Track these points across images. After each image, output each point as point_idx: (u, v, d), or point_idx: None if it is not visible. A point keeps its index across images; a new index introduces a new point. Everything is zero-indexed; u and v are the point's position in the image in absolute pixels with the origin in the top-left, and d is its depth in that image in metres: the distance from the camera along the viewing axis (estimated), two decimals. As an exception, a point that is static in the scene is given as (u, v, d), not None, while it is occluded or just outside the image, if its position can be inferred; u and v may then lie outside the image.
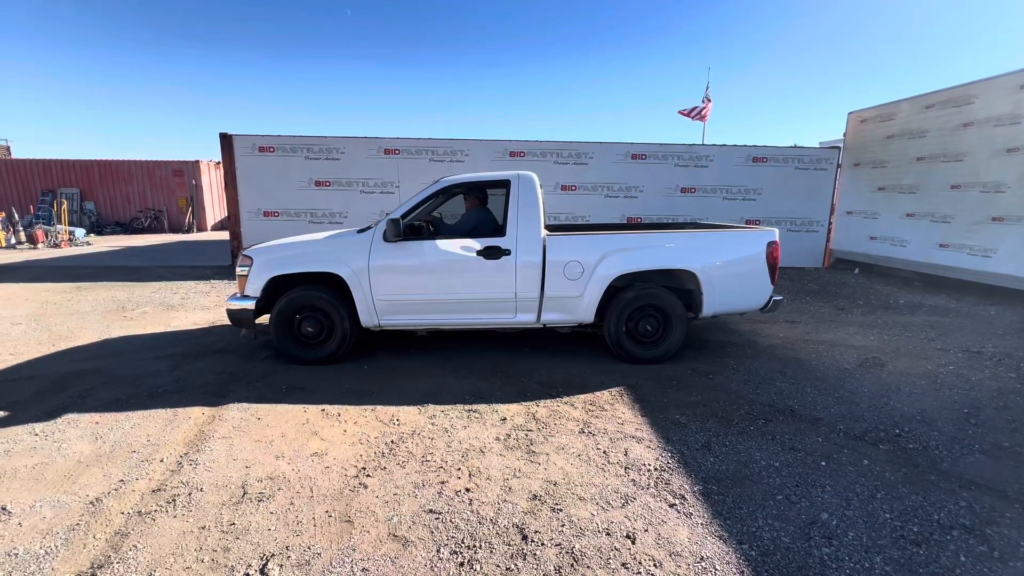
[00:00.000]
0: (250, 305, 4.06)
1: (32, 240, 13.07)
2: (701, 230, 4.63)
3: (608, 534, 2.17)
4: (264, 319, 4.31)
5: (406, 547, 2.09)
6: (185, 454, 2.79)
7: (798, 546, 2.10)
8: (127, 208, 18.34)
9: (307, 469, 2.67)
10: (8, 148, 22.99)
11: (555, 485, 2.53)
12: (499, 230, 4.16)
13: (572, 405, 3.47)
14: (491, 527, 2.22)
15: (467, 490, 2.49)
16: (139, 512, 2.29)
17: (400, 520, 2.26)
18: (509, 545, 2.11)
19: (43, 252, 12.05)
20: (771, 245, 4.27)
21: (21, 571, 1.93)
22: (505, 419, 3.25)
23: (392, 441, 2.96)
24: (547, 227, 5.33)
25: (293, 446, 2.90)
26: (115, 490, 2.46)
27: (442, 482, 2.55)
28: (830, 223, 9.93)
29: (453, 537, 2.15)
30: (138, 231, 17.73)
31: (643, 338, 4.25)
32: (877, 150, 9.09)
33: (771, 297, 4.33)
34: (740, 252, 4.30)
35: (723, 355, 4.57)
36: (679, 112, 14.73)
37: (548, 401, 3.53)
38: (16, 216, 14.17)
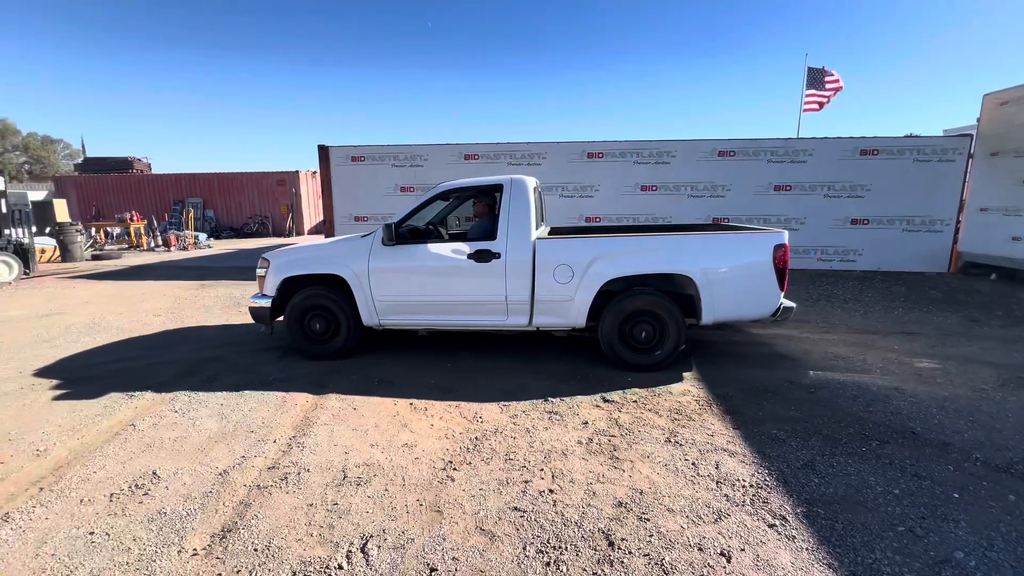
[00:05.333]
0: (267, 303, 4.40)
1: (166, 243, 15.15)
2: (702, 232, 4.34)
3: (700, 549, 2.07)
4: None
5: (493, 541, 2.14)
6: (293, 437, 3.08)
7: (927, 586, 1.86)
8: (239, 215, 20.64)
9: (399, 459, 2.83)
10: (149, 165, 26.85)
11: (641, 494, 2.46)
12: (491, 234, 4.16)
13: (656, 412, 3.35)
14: (576, 530, 2.21)
15: (551, 491, 2.49)
16: (258, 486, 2.56)
17: (487, 515, 2.32)
18: (595, 550, 2.08)
19: (174, 254, 13.90)
20: (779, 248, 3.91)
21: (170, 528, 2.25)
22: (587, 423, 3.22)
23: (476, 438, 3.05)
24: (557, 230, 5.48)
25: (386, 436, 3.08)
26: (238, 465, 2.77)
27: (526, 481, 2.58)
28: (958, 222, 8.70)
29: (538, 536, 2.17)
30: (248, 235, 19.88)
31: (639, 344, 4.07)
32: (1022, 137, 7.80)
33: (780, 304, 3.99)
34: (743, 256, 3.99)
35: (824, 367, 4.18)
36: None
37: (631, 407, 3.44)
38: (155, 223, 16.51)
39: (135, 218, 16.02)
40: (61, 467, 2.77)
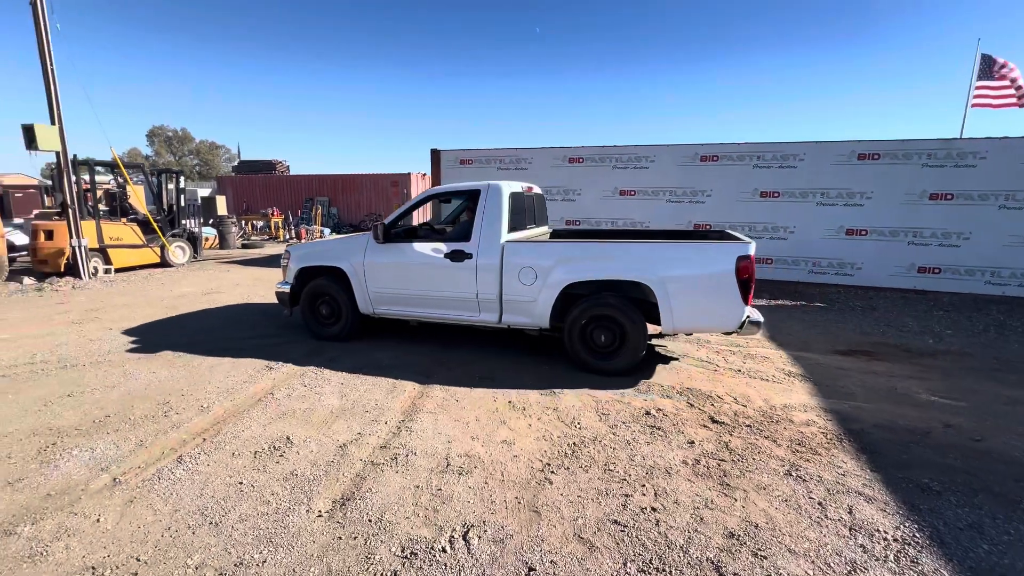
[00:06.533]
0: (287, 289, 5.11)
1: (298, 236, 17.15)
2: (665, 241, 4.36)
3: (830, 603, 1.83)
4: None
5: (592, 552, 2.09)
6: (402, 421, 3.30)
7: None
8: (358, 212, 22.68)
9: (498, 454, 2.89)
10: (288, 167, 30.63)
11: (756, 528, 2.25)
12: (466, 235, 4.43)
13: (774, 441, 3.04)
14: (682, 555, 2.07)
15: (653, 509, 2.38)
16: (372, 462, 2.78)
17: (585, 523, 2.27)
18: (703, 581, 1.94)
19: (305, 246, 15.67)
20: (742, 260, 3.74)
21: (300, 489, 2.52)
22: (693, 443, 3.02)
23: (574, 443, 3.01)
24: (559, 232, 5.93)
25: (486, 430, 3.17)
26: (355, 440, 3.03)
27: (626, 495, 2.49)
28: None
29: (640, 555, 2.08)
30: (364, 231, 21.78)
31: (600, 348, 4.13)
32: None
33: (746, 317, 3.86)
34: (703, 267, 3.88)
35: (995, 412, 3.48)
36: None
37: (743, 432, 3.16)
38: (290, 218, 18.79)
39: (274, 213, 18.40)
40: (218, 423, 3.25)
